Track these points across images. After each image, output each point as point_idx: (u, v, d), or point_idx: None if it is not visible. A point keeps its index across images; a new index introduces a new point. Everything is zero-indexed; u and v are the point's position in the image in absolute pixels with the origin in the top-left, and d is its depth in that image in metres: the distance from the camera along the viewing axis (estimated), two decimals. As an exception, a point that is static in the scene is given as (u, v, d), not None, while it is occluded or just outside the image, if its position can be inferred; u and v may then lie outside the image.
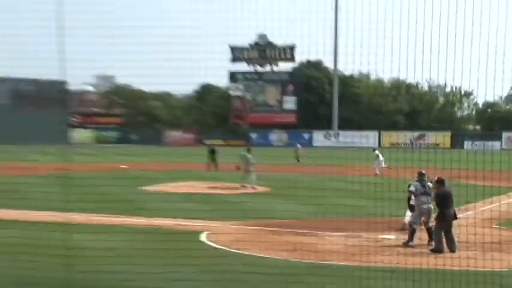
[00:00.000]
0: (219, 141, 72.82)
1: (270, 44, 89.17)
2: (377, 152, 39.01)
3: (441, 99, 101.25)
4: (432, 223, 15.18)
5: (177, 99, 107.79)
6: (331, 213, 18.88)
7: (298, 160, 45.96)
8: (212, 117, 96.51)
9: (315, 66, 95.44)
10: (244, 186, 28.79)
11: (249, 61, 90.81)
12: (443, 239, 14.58)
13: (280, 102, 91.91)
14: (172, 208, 21.22)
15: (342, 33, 78.63)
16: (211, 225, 17.95)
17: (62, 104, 70.53)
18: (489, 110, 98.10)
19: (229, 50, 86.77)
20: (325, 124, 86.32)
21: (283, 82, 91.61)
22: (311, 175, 35.73)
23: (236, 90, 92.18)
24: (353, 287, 11.11)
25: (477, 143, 76.04)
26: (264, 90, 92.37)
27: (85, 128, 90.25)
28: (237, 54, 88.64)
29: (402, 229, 16.59)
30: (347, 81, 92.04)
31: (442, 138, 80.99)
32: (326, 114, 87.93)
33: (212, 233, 16.67)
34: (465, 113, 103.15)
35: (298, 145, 52.23)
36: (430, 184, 15.58)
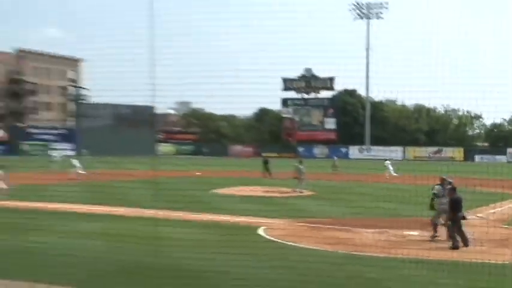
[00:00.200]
0: (273, 154, 72.68)
1: (314, 76, 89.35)
2: (387, 162, 40.18)
3: (455, 121, 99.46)
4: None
5: (239, 120, 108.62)
6: (365, 214, 18.61)
7: (335, 169, 45.56)
8: (268, 134, 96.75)
9: (350, 93, 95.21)
10: (296, 191, 28.47)
11: (297, 90, 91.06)
12: (458, 237, 14.15)
13: (322, 122, 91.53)
14: (236, 207, 21.31)
15: (373, 68, 78.02)
16: (268, 222, 17.90)
17: (151, 124, 71.76)
18: (495, 130, 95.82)
19: (281, 81, 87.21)
20: (359, 140, 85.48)
21: (325, 106, 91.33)
22: (347, 182, 35.35)
23: (287, 113, 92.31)
24: (385, 275, 10.90)
25: (486, 156, 74.02)
26: (309, 113, 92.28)
27: (168, 142, 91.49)
28: (288, 84, 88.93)
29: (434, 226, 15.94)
30: (377, 106, 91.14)
31: (457, 152, 79.04)
32: (359, 132, 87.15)
33: (268, 228, 16.60)
34: (475, 132, 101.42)
35: (335, 157, 51.85)
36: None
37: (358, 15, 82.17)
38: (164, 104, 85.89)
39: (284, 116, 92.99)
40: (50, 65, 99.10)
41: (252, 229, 16.37)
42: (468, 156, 76.16)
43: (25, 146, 75.97)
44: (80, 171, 35.45)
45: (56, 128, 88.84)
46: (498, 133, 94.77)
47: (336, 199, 24.25)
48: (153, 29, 8.50)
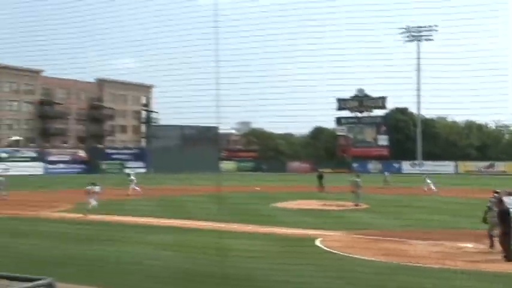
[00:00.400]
0: (328, 169, 71.94)
1: (367, 96, 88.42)
2: (425, 177, 39.54)
3: (507, 136, 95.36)
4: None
5: (296, 138, 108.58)
6: (418, 226, 18.08)
7: (386, 184, 44.73)
8: (323, 151, 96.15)
9: (402, 111, 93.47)
10: (358, 205, 27.81)
11: (351, 109, 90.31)
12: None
13: (375, 139, 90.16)
14: (294, 220, 21.20)
15: (423, 87, 76.21)
16: (325, 233, 17.70)
17: (215, 143, 72.86)
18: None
19: (336, 101, 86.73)
20: (410, 156, 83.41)
21: (378, 124, 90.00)
22: (400, 195, 34.51)
23: (341, 131, 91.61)
24: (439, 286, 10.53)
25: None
26: (363, 131, 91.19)
27: (230, 160, 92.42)
28: (342, 104, 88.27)
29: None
30: (428, 123, 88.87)
31: (509, 166, 75.55)
32: (411, 148, 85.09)
33: (325, 240, 16.42)
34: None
35: (386, 172, 51.06)
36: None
37: (408, 38, 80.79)
38: (227, 125, 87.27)
39: (339, 133, 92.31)
40: (125, 92, 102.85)
41: (310, 241, 16.22)
42: (521, 170, 72.69)
43: (103, 165, 78.82)
44: (135, 187, 35.08)
45: (130, 148, 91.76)
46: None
47: (390, 212, 23.72)
48: (217, 56, 8.71)
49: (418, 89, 76.34)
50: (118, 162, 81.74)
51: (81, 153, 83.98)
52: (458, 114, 79.50)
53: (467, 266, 11.87)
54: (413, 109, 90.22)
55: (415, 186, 39.04)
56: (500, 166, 76.66)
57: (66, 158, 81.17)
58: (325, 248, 15.14)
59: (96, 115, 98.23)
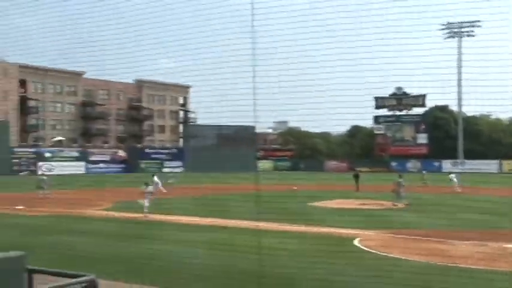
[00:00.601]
0: (366, 168, 71.26)
1: (405, 94, 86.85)
2: (452, 176, 39.01)
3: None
4: None
5: (333, 137, 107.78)
6: (459, 225, 17.66)
7: (424, 182, 43.99)
8: (360, 149, 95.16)
9: (442, 109, 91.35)
10: (395, 204, 27.38)
11: (389, 107, 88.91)
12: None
13: (414, 138, 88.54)
14: (332, 219, 21.04)
15: (464, 83, 74.31)
16: (363, 233, 17.51)
17: (252, 143, 73.04)
18: None
19: (373, 100, 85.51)
20: (451, 154, 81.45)
21: (417, 122, 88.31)
22: (440, 194, 33.81)
23: (379, 130, 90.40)
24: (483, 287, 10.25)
25: None
26: (401, 129, 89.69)
27: (267, 159, 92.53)
28: (380, 102, 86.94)
29: None
30: (470, 120, 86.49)
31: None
32: (452, 146, 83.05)
33: (364, 239, 16.25)
34: None
35: (424, 171, 50.52)
36: None
37: (449, 34, 78.84)
38: (263, 124, 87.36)
39: (376, 132, 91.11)
40: (163, 92, 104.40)
41: (348, 240, 16.09)
42: None
43: (142, 164, 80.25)
44: (159, 188, 34.64)
45: (167, 148, 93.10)
46: None
47: (429, 211, 23.27)
48: (254, 55, 8.72)
49: (459, 86, 74.47)
50: (157, 161, 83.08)
51: (121, 153, 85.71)
52: (503, 111, 77.01)
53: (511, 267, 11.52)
54: (453, 107, 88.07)
55: (454, 185, 38.20)
56: (548, 164, 74.11)
57: (107, 157, 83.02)
58: (363, 247, 14.97)
59: (135, 115, 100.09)
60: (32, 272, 3.79)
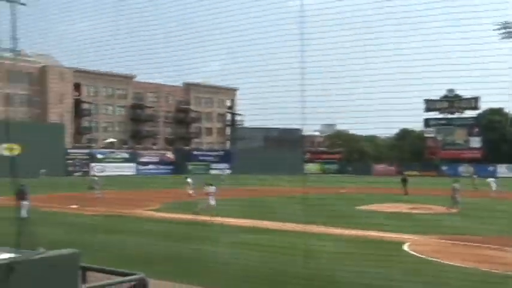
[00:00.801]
0: (415, 172, 69.71)
1: (458, 96, 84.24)
2: (490, 180, 38.60)
3: None
4: None
5: (382, 140, 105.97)
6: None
7: (475, 187, 42.62)
8: (409, 153, 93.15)
9: (497, 112, 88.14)
10: (448, 209, 26.55)
11: (440, 110, 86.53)
12: None
13: (467, 141, 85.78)
14: (380, 223, 20.66)
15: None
16: (412, 238, 17.11)
17: (299, 145, 72.86)
18: None
19: (423, 102, 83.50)
20: (507, 159, 78.35)
21: (470, 125, 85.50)
22: (493, 199, 32.66)
23: (430, 133, 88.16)
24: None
25: None
26: (453, 132, 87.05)
27: (314, 162, 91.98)
28: (430, 105, 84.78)
29: None
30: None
31: None
32: (507, 150, 79.90)
33: (413, 244, 15.87)
34: None
35: (475, 175, 49.03)
36: None
37: (505, 33, 76.01)
38: (310, 127, 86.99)
39: (427, 135, 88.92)
40: (211, 95, 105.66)
41: (396, 244, 15.76)
42: None
43: (190, 166, 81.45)
44: (190, 191, 34.85)
45: (215, 150, 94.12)
46: None
47: (482, 216, 22.48)
48: (303, 57, 8.69)
49: (515, 88, 71.72)
50: (204, 163, 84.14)
51: (169, 155, 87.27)
52: None
53: None
54: (509, 109, 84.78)
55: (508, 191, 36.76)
56: None
57: (156, 159, 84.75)
58: (412, 253, 14.64)
59: (183, 118, 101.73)
60: (85, 269, 3.90)
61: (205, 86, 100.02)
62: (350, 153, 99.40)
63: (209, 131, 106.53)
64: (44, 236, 13.08)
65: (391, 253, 13.64)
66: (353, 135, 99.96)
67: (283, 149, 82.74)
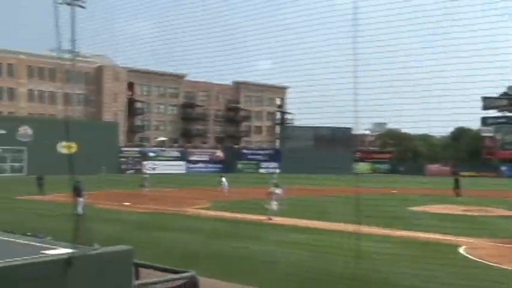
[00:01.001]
0: (472, 173, 67.51)
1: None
2: None
3: None
4: None
5: (436, 139, 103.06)
6: None
7: None
8: (465, 153, 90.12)
9: None
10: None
11: (499, 108, 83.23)
12: None
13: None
14: (433, 225, 20.11)
15: None
16: (468, 240, 16.54)
17: (349, 145, 71.97)
18: None
19: (481, 100, 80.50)
20: None
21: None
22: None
23: (487, 132, 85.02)
24: None
25: None
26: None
27: (364, 161, 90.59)
28: (488, 103, 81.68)
29: None
30: None
31: None
32: None
33: (469, 247, 15.34)
34: None
35: None
36: None
37: None
38: (361, 126, 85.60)
39: (484, 134, 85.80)
40: (260, 94, 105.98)
41: (451, 247, 15.31)
42: None
43: (239, 164, 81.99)
44: (225, 190, 35.24)
45: (264, 149, 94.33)
46: None
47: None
48: (355, 55, 8.56)
49: None
50: (253, 162, 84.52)
51: (219, 153, 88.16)
52: None
53: None
54: None
55: None
56: None
57: (206, 157, 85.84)
58: (469, 256, 14.18)
59: (232, 116, 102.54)
60: (137, 266, 3.99)
61: (255, 85, 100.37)
62: (403, 153, 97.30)
63: (259, 130, 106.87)
64: (100, 233, 13.51)
65: (446, 256, 13.25)
66: (405, 134, 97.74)
67: (333, 148, 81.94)
